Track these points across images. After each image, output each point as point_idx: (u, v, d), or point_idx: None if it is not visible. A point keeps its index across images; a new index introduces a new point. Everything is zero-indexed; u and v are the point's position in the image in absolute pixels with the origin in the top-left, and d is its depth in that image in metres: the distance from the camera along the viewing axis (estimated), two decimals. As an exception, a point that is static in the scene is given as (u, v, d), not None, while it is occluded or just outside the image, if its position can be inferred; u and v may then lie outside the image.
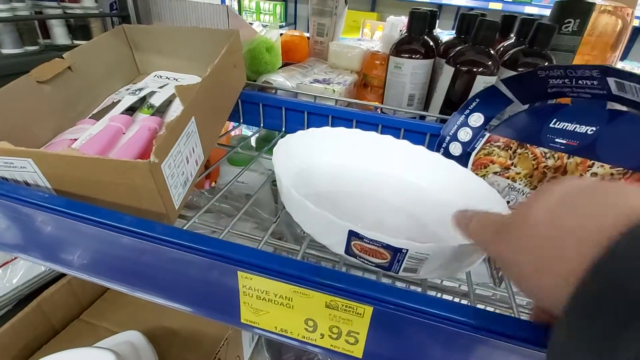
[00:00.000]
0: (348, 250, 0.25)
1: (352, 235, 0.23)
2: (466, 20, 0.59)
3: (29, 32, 0.44)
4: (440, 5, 3.12)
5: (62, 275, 0.51)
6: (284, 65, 0.68)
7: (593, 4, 0.57)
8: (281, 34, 0.71)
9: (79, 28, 0.51)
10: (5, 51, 0.42)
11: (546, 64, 0.51)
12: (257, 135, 0.73)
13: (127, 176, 0.28)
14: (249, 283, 0.21)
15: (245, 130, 0.83)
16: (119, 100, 0.48)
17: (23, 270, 0.49)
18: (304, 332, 0.22)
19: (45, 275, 0.51)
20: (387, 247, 0.23)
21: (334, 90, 0.58)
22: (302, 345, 0.23)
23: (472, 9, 3.06)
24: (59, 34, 0.49)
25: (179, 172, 0.33)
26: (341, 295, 0.20)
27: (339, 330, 0.21)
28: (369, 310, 0.20)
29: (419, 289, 0.34)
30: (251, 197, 0.41)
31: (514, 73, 0.48)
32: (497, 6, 2.89)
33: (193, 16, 0.61)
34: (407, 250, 0.22)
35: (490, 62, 0.49)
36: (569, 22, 0.57)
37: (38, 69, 0.39)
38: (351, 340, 0.22)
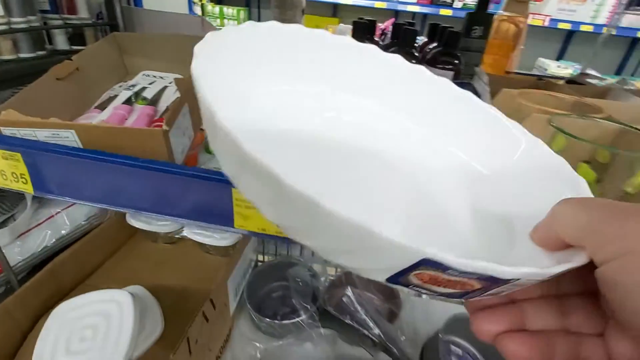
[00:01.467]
0: (397, 279, 0.15)
1: (424, 264, 0.13)
2: (396, 28, 0.74)
3: (39, 39, 0.53)
4: (397, 12, 3.35)
5: (70, 245, 0.60)
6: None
7: (492, 14, 0.74)
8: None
9: (76, 35, 0.61)
10: (22, 55, 0.51)
11: (456, 61, 0.66)
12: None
13: (145, 141, 0.39)
14: (240, 196, 0.33)
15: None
16: (116, 95, 0.58)
17: (37, 241, 0.58)
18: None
19: (55, 246, 0.60)
20: (489, 278, 0.14)
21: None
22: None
23: (426, 15, 3.31)
24: (61, 41, 0.58)
25: (179, 142, 0.44)
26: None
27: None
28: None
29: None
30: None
31: (434, 69, 0.62)
32: (448, 12, 3.15)
33: (172, 25, 0.72)
34: (519, 279, 0.14)
35: (412, 61, 0.64)
36: (476, 28, 0.73)
37: (55, 68, 0.49)
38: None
